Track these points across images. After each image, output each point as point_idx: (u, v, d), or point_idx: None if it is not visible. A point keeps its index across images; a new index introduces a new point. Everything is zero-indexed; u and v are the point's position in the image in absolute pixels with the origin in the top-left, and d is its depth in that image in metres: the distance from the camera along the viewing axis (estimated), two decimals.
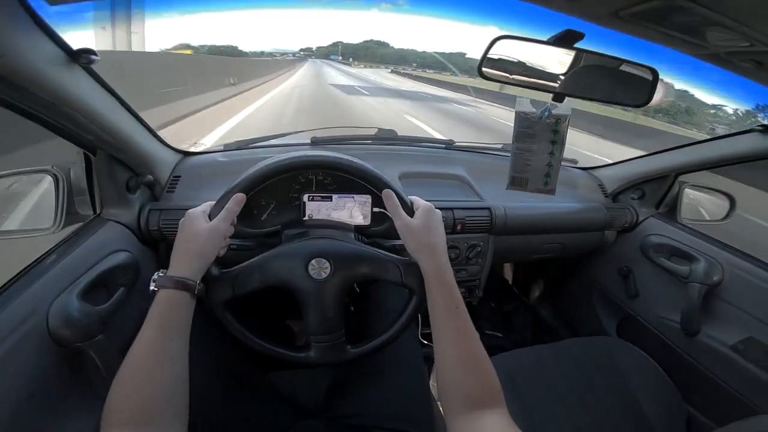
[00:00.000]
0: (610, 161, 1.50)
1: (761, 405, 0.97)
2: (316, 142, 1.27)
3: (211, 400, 0.72)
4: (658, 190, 1.34)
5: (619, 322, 1.44)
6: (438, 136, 5.32)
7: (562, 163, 1.46)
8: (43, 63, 0.57)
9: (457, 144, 1.45)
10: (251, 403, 0.76)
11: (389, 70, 50.94)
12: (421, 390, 0.82)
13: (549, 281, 1.82)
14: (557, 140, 0.71)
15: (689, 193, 1.32)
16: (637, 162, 1.38)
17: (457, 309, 0.61)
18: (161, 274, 0.58)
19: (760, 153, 1.01)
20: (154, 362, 0.51)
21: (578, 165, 1.53)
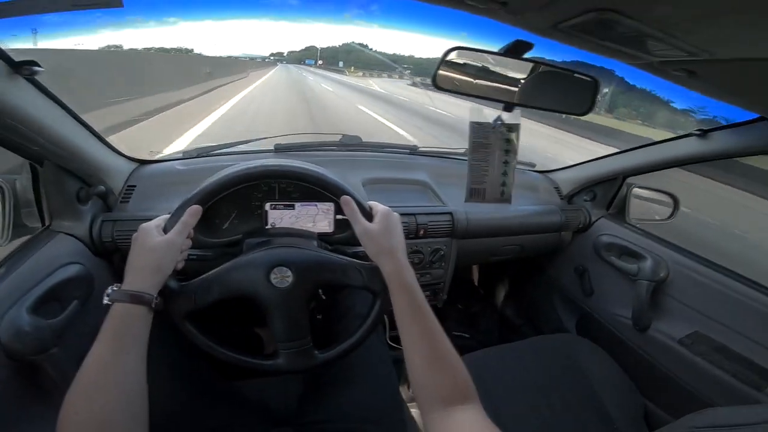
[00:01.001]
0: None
1: (713, 398, 1.02)
2: (279, 149, 1.26)
3: (177, 412, 0.71)
4: (608, 192, 1.42)
5: (578, 320, 1.50)
6: None
7: (520, 167, 1.53)
8: None
9: (421, 149, 1.47)
10: (221, 412, 0.75)
11: (409, 82, 31.34)
12: (391, 393, 0.84)
13: (513, 282, 1.88)
14: (510, 149, 0.74)
15: (636, 194, 1.40)
16: (589, 165, 1.45)
17: (421, 309, 0.62)
18: (115, 288, 0.57)
19: (698, 156, 1.09)
20: (107, 378, 0.50)
21: (535, 168, 1.59)
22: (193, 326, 0.66)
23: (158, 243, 0.61)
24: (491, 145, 0.73)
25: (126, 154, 1.05)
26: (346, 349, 0.72)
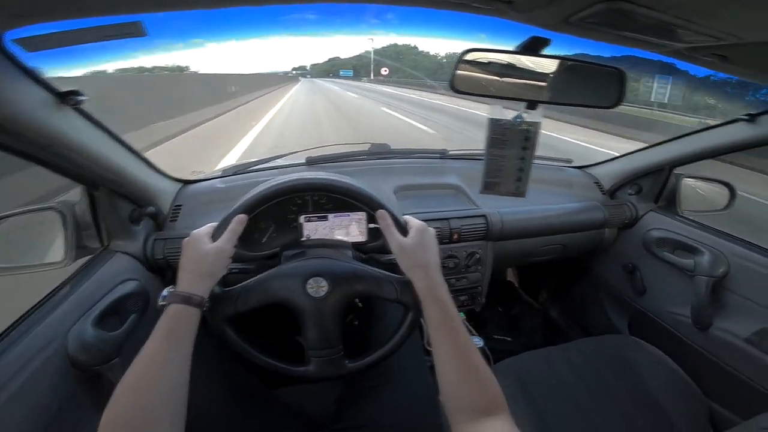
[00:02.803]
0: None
1: None
2: (311, 162, 1.30)
3: (216, 416, 0.74)
4: (655, 184, 1.34)
5: (630, 320, 1.42)
6: None
7: (555, 164, 1.49)
8: (34, 108, 0.60)
9: (450, 153, 1.47)
10: (258, 418, 0.78)
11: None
12: (428, 399, 0.83)
13: (555, 282, 1.81)
14: (529, 146, 0.73)
15: (687, 184, 1.32)
16: (631, 157, 1.39)
17: (453, 324, 0.62)
18: (171, 290, 0.62)
19: (747, 142, 1.01)
20: (156, 373, 0.53)
21: (573, 164, 1.54)
22: (232, 330, 0.69)
23: (210, 250, 0.65)
24: (509, 141, 0.73)
25: (170, 174, 1.13)
26: (375, 359, 0.74)
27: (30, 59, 0.55)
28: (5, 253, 0.85)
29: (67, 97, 0.65)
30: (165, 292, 0.62)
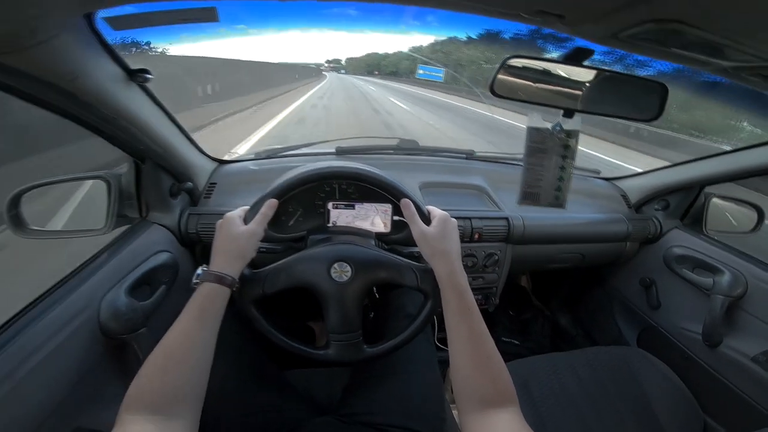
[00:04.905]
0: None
1: None
2: (340, 152, 1.33)
3: (231, 392, 0.77)
4: (683, 201, 1.33)
5: (640, 333, 1.43)
6: None
7: (583, 174, 1.48)
8: (107, 82, 0.64)
9: (477, 154, 1.48)
10: (269, 396, 0.80)
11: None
12: (434, 391, 0.85)
13: (569, 290, 1.82)
14: (568, 155, 0.73)
15: (715, 204, 1.30)
16: (661, 173, 1.37)
17: (470, 311, 0.64)
18: (205, 269, 0.64)
19: None
20: (187, 347, 0.56)
21: (601, 175, 1.53)
22: (258, 312, 0.72)
23: (243, 232, 0.68)
24: (548, 150, 0.73)
25: (209, 154, 1.17)
26: (393, 346, 0.76)
27: (111, 36, 0.59)
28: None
29: (135, 75, 0.69)
30: (199, 270, 0.65)
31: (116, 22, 0.57)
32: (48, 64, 0.53)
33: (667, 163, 1.37)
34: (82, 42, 0.57)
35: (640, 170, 1.47)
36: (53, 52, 0.52)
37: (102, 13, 0.54)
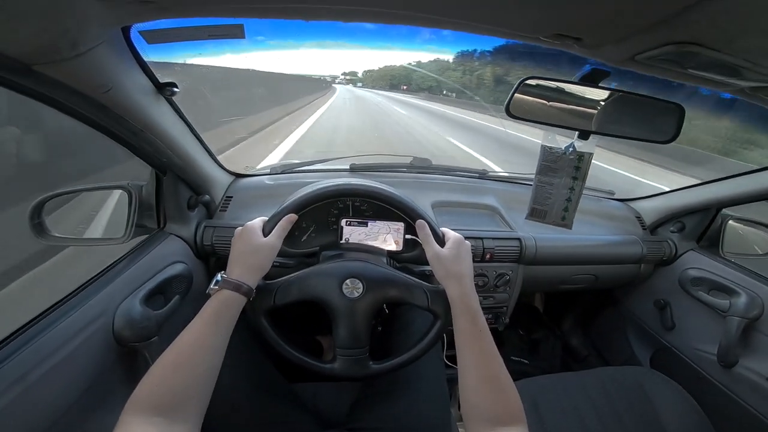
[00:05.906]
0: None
1: None
2: (354, 169, 1.35)
3: (241, 403, 0.77)
4: (700, 223, 1.31)
5: (653, 354, 1.41)
6: None
7: (597, 195, 1.47)
8: (137, 94, 0.66)
9: (490, 174, 1.48)
10: (278, 408, 0.80)
11: None
12: (441, 408, 0.85)
13: (581, 310, 1.79)
14: (579, 176, 0.73)
15: (732, 227, 1.28)
16: (676, 194, 1.36)
17: (481, 333, 0.64)
18: (223, 276, 0.65)
19: None
20: (197, 351, 0.56)
21: (615, 196, 1.52)
22: (268, 323, 0.72)
23: (263, 244, 0.69)
24: (559, 169, 0.74)
25: (225, 167, 1.19)
26: (399, 363, 0.75)
27: (145, 49, 0.61)
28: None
29: (164, 88, 0.71)
30: (218, 276, 0.65)
31: (150, 36, 0.60)
32: (85, 75, 0.55)
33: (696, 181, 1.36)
34: (118, 54, 0.59)
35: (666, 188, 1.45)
36: (90, 64, 0.54)
37: (137, 27, 0.57)
